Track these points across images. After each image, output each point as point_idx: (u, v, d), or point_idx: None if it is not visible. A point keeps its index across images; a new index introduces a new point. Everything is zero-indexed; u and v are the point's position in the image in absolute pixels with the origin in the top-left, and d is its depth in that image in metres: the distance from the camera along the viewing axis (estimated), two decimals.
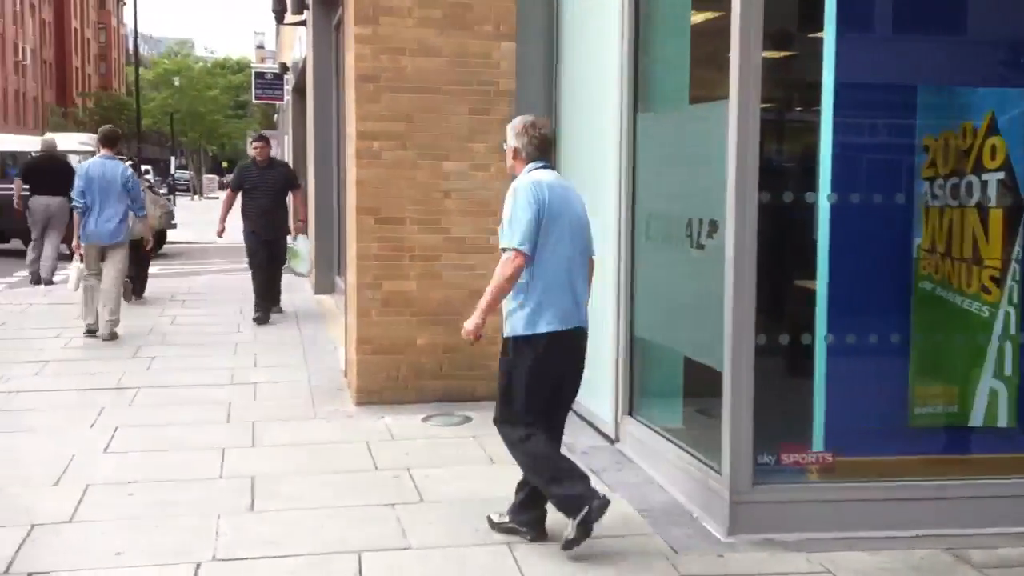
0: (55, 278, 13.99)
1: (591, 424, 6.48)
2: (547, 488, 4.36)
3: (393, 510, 4.94)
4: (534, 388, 4.41)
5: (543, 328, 4.36)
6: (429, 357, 7.18)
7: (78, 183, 9.58)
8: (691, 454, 5.12)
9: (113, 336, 9.57)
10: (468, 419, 6.72)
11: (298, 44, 17.17)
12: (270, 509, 4.96)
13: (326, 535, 4.60)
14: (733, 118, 4.47)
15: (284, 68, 21.41)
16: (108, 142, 9.81)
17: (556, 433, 4.62)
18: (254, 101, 27.49)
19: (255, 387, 7.69)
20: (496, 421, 4.58)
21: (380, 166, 7.06)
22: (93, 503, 5.02)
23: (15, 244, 19.28)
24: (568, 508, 4.29)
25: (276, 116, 32.90)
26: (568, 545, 4.30)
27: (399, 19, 7.01)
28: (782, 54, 5.15)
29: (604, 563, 4.29)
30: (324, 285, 12.94)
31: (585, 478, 4.35)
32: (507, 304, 4.44)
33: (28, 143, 19.39)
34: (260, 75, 24.31)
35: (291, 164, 16.07)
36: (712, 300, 4.69)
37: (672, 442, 5.38)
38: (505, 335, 4.49)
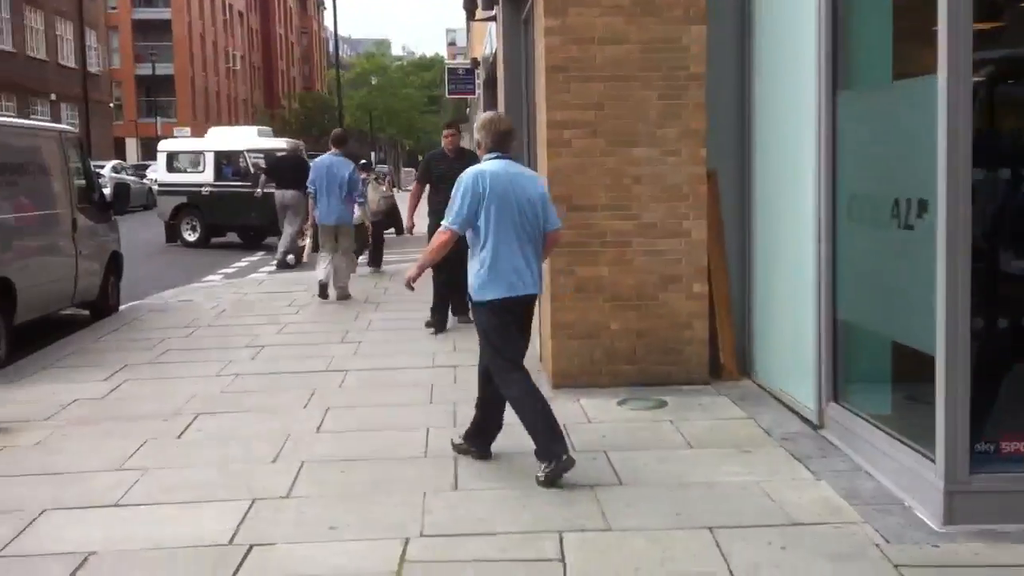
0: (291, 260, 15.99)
1: (791, 409, 6.35)
2: (529, 431, 5.22)
3: (592, 492, 5.00)
4: (504, 340, 5.29)
5: (489, 296, 5.26)
6: (623, 342, 7.21)
7: (311, 175, 11.75)
8: (902, 442, 4.93)
9: (345, 296, 11.81)
10: (663, 403, 6.71)
11: (488, 39, 17.49)
12: (473, 488, 5.12)
13: (528, 515, 4.71)
14: (943, 94, 4.27)
15: (475, 63, 21.86)
16: (337, 142, 11.92)
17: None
18: (447, 96, 28.16)
19: (455, 370, 7.92)
20: (486, 371, 5.42)
21: (571, 154, 7.13)
22: (308, 479, 5.32)
23: (231, 237, 20.58)
24: (541, 456, 5.15)
25: (468, 110, 33.59)
26: (539, 483, 5.09)
27: (588, 9, 7.05)
28: (993, 25, 4.88)
29: (815, 553, 4.21)
30: None
31: (564, 440, 5.20)
32: (470, 270, 5.33)
33: (270, 144, 20.67)
34: (452, 71, 24.91)
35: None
36: (922, 282, 4.51)
37: (881, 429, 5.20)
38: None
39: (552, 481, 5.08)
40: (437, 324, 9.63)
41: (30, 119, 38.45)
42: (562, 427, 5.25)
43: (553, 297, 7.22)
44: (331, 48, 61.83)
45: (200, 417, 6.68)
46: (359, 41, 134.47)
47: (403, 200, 13.79)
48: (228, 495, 5.08)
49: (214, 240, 20.45)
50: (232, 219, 19.80)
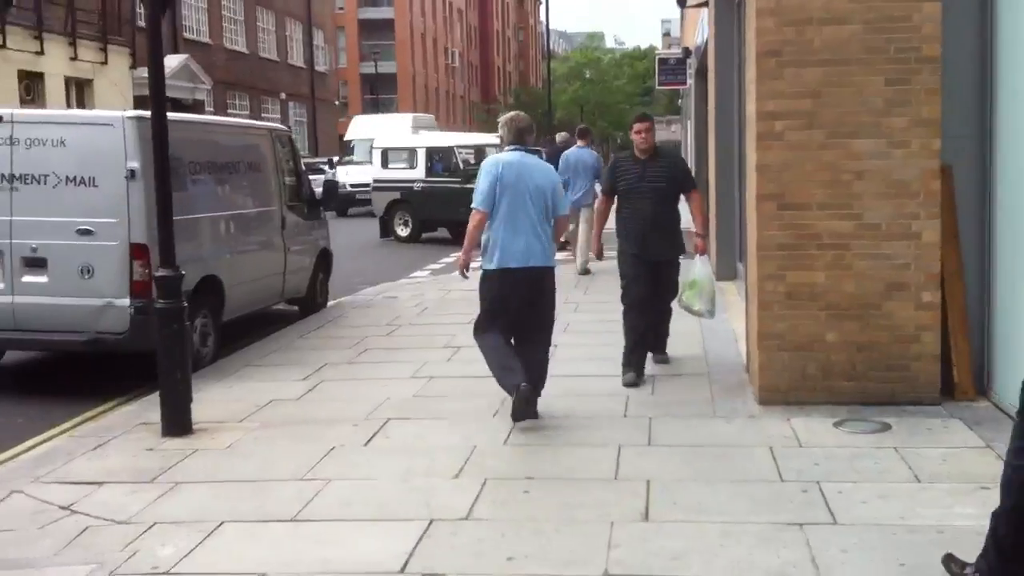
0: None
1: None
2: (496, 377, 6.36)
3: (802, 531, 4.44)
4: (491, 306, 6.43)
5: (491, 266, 6.38)
6: (840, 355, 6.52)
7: (560, 166, 13.20)
8: None
9: (586, 272, 13.57)
10: (887, 426, 6.00)
11: (700, 27, 16.81)
12: (666, 519, 4.67)
13: (727, 555, 4.22)
14: None
15: (687, 52, 21.18)
16: (582, 135, 14.62)
17: (514, 343, 6.51)
18: (657, 87, 27.55)
19: (653, 379, 7.46)
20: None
21: (783, 148, 6.50)
22: (489, 499, 5.02)
23: (441, 232, 20.81)
24: (508, 391, 6.27)
25: (680, 100, 32.81)
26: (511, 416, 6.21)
27: None
28: None
29: None
30: (725, 271, 12.50)
31: (518, 375, 6.18)
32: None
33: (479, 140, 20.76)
34: (663, 61, 24.30)
35: (693, 148, 15.75)
36: None
37: None
38: None
39: (517, 414, 6.15)
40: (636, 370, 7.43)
41: (260, 118, 40.77)
42: (768, 451, 4.70)
43: (761, 304, 6.63)
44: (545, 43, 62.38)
45: (389, 423, 6.53)
46: (573, 35, 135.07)
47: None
48: (406, 513, 4.84)
49: (425, 235, 20.74)
50: (442, 214, 19.97)
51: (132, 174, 7.77)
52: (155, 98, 6.49)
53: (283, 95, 43.25)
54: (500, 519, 4.75)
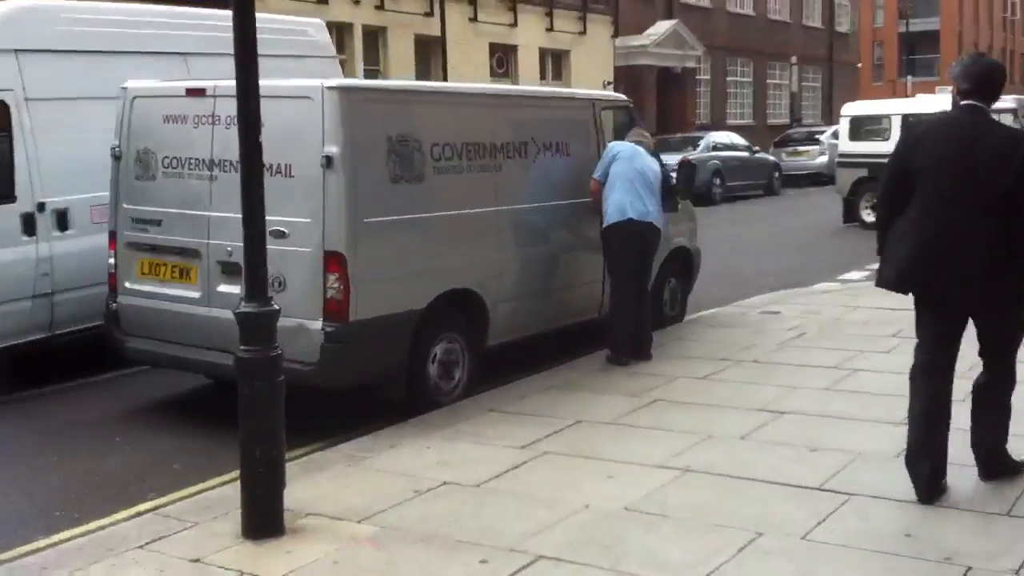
0: None
1: None
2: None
3: None
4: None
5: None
6: None
7: None
8: None
9: None
10: None
11: None
12: None
13: None
14: None
15: None
16: None
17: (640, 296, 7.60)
18: None
19: None
20: None
21: None
22: None
23: None
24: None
25: None
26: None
27: None
28: None
29: None
30: None
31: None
32: None
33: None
34: None
35: None
36: None
37: None
38: None
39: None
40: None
41: (765, 84, 38.02)
42: None
43: None
44: None
45: (539, 563, 4.09)
46: None
47: None
48: None
49: None
50: None
51: (328, 162, 6.04)
52: (242, 61, 4.61)
53: (794, 59, 39.98)
54: None
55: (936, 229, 4.52)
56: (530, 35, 24.83)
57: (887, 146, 16.57)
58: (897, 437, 5.56)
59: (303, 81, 6.68)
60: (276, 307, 4.67)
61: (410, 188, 6.48)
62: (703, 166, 23.48)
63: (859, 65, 49.24)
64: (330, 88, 6.11)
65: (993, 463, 4.83)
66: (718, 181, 23.68)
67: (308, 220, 6.12)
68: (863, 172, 17.06)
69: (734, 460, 5.36)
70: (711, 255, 13.87)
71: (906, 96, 42.01)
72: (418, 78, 20.79)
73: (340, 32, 20.29)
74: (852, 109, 18.18)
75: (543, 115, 7.82)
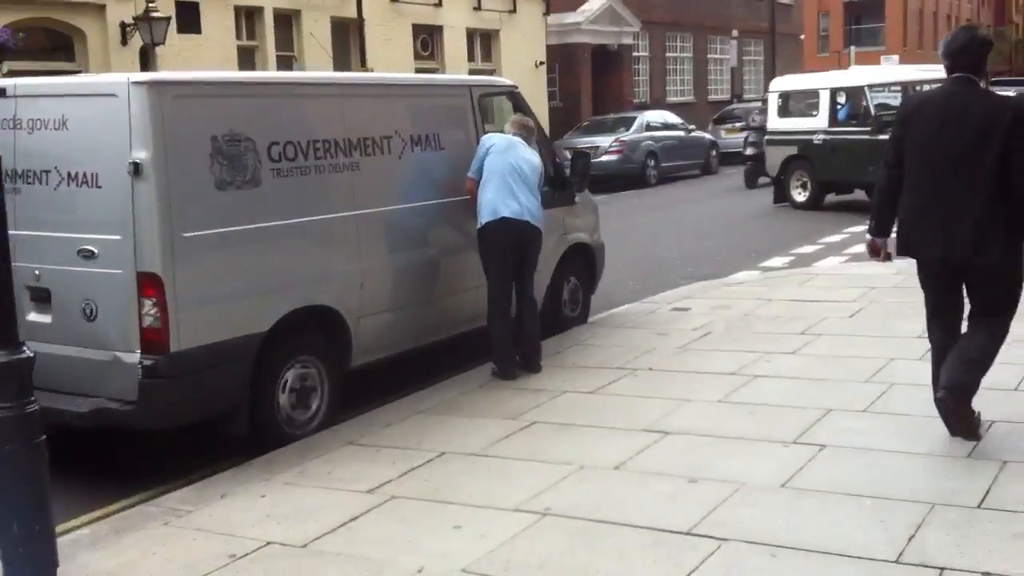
0: None
1: None
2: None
3: None
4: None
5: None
6: None
7: None
8: None
9: None
10: None
11: None
12: None
13: None
14: None
15: None
16: None
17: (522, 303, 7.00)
18: None
19: None
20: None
21: None
22: None
23: (859, 195, 16.40)
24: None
25: None
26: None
27: None
28: None
29: None
30: None
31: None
32: None
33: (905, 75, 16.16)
34: None
35: None
36: None
37: None
38: None
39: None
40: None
41: (706, 59, 37.39)
42: None
43: None
44: None
45: None
46: None
47: None
48: None
49: (830, 200, 16.45)
50: (846, 175, 15.56)
51: (136, 169, 5.25)
52: None
53: (735, 32, 39.37)
54: None
55: (931, 194, 4.83)
56: (456, 15, 23.94)
57: (817, 122, 16.13)
58: (785, 461, 4.98)
59: (108, 76, 5.91)
60: (30, 354, 3.87)
61: (242, 195, 5.70)
62: (637, 147, 22.87)
63: (802, 37, 48.83)
64: (137, 83, 5.31)
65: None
66: (652, 163, 23.05)
67: (118, 237, 5.34)
68: (792, 150, 16.51)
69: (601, 498, 4.69)
70: (633, 243, 13.29)
71: (848, 65, 41.59)
72: (336, 66, 19.90)
73: (250, 16, 19.32)
74: (781, 84, 17.57)
75: (410, 105, 7.05)
